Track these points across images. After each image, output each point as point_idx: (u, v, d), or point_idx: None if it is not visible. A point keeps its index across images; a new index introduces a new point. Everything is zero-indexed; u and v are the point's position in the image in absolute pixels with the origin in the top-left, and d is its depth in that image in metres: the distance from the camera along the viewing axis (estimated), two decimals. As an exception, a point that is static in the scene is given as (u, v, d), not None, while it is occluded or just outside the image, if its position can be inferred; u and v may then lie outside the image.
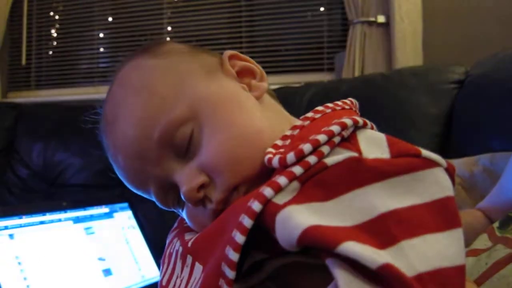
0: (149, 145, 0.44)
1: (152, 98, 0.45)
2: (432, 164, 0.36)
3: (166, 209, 0.48)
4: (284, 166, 0.37)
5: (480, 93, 1.10)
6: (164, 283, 0.46)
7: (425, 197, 0.34)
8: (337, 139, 0.37)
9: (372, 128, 0.42)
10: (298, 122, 0.44)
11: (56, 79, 2.47)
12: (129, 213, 1.12)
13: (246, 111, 0.45)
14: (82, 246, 0.93)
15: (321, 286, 0.34)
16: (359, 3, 1.82)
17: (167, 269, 0.47)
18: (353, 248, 0.29)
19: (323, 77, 2.05)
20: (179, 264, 0.44)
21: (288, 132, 0.43)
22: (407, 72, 1.31)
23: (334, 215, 0.33)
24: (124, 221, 1.09)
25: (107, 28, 2.41)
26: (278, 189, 0.35)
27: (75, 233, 0.95)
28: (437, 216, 0.33)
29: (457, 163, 0.96)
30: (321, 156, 0.36)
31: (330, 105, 0.45)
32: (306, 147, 0.36)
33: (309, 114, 0.44)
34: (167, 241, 0.51)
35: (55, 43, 2.49)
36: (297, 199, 0.34)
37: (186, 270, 0.42)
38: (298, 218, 0.32)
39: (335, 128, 0.37)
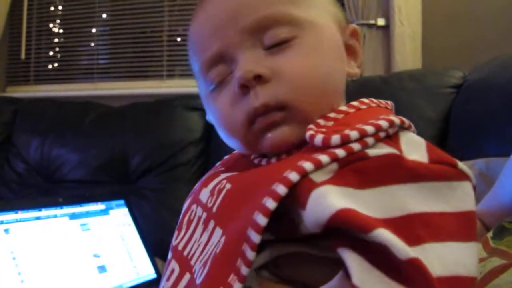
0: (252, 13, 0.43)
1: None
2: (465, 177, 0.37)
3: (202, 75, 0.47)
4: (326, 146, 0.37)
5: (477, 97, 1.11)
6: (180, 247, 0.46)
7: (454, 207, 0.35)
8: (382, 134, 0.38)
9: (414, 132, 0.43)
10: (344, 108, 0.44)
11: (55, 74, 2.46)
12: (125, 211, 1.12)
13: (339, 66, 0.46)
14: (77, 242, 0.94)
15: (322, 279, 0.34)
16: (359, 6, 1.82)
17: (185, 234, 0.47)
18: (387, 236, 0.30)
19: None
20: (199, 229, 0.44)
21: (332, 114, 0.43)
22: (406, 75, 1.32)
23: (366, 204, 0.33)
24: (120, 218, 1.09)
25: (107, 25, 2.40)
26: (318, 166, 0.35)
27: (71, 229, 0.95)
28: (461, 226, 0.34)
29: (453, 167, 0.96)
30: (366, 145, 0.36)
31: (374, 100, 0.46)
32: (353, 133, 0.36)
33: (355, 103, 0.45)
34: (184, 208, 0.51)
35: (55, 38, 2.48)
36: (334, 181, 0.35)
37: (206, 235, 0.42)
38: (333, 198, 0.33)
39: (383, 123, 0.38)
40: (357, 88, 1.49)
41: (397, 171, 0.35)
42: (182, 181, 1.49)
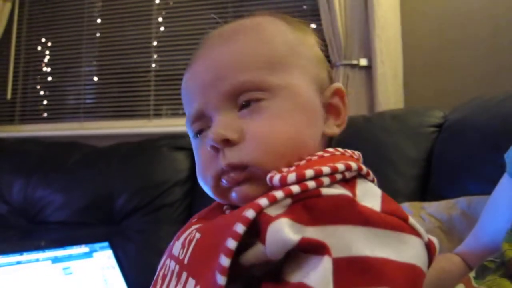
0: (230, 78, 0.46)
1: (266, 52, 0.48)
2: (415, 233, 0.38)
3: (187, 127, 0.51)
4: (283, 185, 0.39)
5: (457, 137, 1.13)
6: None
7: (401, 257, 0.35)
8: (338, 176, 0.39)
9: (373, 181, 0.44)
10: (308, 157, 0.46)
11: (41, 114, 2.46)
12: (109, 253, 1.10)
13: (313, 129, 0.48)
14: (59, 287, 0.92)
15: None
16: (342, 46, 1.87)
17: None
18: (328, 269, 0.32)
19: (307, 117, 2.08)
20: (173, 283, 0.44)
21: (296, 163, 0.45)
22: (388, 115, 1.35)
23: None
24: (103, 261, 1.07)
25: (94, 65, 2.43)
26: (273, 201, 0.37)
27: (53, 273, 0.93)
28: (403, 277, 0.34)
29: (436, 206, 0.97)
30: (320, 184, 0.38)
31: (340, 149, 0.47)
32: (309, 172, 0.38)
33: (319, 153, 0.46)
34: (160, 263, 0.51)
35: (42, 78, 2.50)
36: (287, 215, 0.36)
37: (179, 287, 0.42)
38: (289, 231, 0.34)
39: (340, 166, 0.39)
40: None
41: (348, 213, 0.36)
42: (167, 222, 1.48)
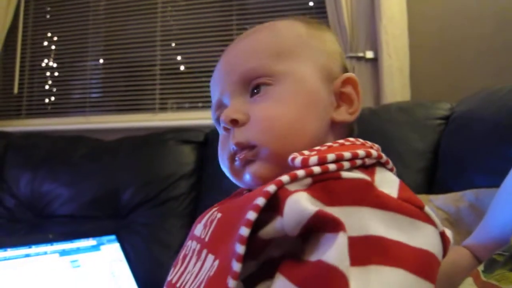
0: (240, 68, 0.52)
1: (274, 44, 0.52)
2: (430, 221, 0.38)
3: (213, 115, 0.57)
4: (305, 166, 0.40)
5: (464, 129, 1.12)
6: (173, 281, 0.48)
7: (414, 242, 0.36)
8: (359, 162, 0.41)
9: (392, 171, 0.46)
10: (329, 143, 0.47)
11: (47, 108, 2.47)
12: (116, 246, 1.11)
13: (314, 114, 0.51)
14: (67, 279, 0.92)
15: None
16: (348, 39, 1.86)
17: (179, 268, 0.49)
18: (344, 244, 0.32)
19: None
20: (193, 261, 0.46)
21: (316, 147, 0.46)
22: (395, 107, 1.34)
23: None
24: (111, 254, 1.08)
25: (100, 59, 2.43)
26: (294, 178, 0.38)
27: (61, 266, 0.93)
28: (416, 261, 0.35)
29: (444, 198, 0.97)
30: (341, 168, 0.39)
31: (360, 140, 0.49)
32: (330, 155, 0.40)
33: (340, 140, 0.48)
34: (183, 247, 0.53)
35: (48, 72, 2.50)
36: (307, 191, 0.37)
37: (198, 264, 0.44)
38: (307, 202, 0.35)
39: (360, 152, 0.41)
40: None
41: (366, 196, 0.37)
42: (173, 215, 1.48)
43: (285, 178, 0.38)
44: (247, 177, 0.49)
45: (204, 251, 0.44)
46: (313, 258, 0.34)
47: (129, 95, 2.33)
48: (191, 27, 2.27)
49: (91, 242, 1.05)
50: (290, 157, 0.43)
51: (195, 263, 0.45)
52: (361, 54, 1.85)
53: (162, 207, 1.50)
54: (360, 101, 0.55)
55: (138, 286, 1.06)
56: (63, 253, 0.96)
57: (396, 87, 1.75)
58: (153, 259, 1.35)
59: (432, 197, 0.99)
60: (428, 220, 0.38)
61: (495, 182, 0.70)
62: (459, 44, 1.77)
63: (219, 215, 0.46)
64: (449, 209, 0.92)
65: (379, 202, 0.37)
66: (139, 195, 1.53)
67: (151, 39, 2.31)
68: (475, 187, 0.93)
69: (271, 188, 0.37)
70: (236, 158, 0.50)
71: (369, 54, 1.84)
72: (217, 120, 0.55)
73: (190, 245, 0.49)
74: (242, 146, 0.49)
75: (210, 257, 0.42)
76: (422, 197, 1.00)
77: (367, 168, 0.41)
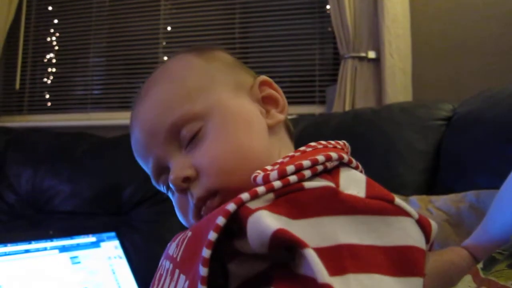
0: (161, 127, 0.50)
1: (180, 89, 0.51)
2: (402, 213, 0.38)
3: (157, 186, 0.54)
4: (266, 182, 0.39)
5: (466, 130, 1.12)
6: None
7: (386, 241, 0.36)
8: (320, 168, 0.40)
9: (357, 168, 0.45)
10: (291, 153, 0.47)
11: (49, 104, 2.47)
12: (116, 243, 1.11)
13: (251, 132, 0.50)
14: (67, 276, 0.92)
15: None
16: (351, 39, 1.86)
17: None
18: (315, 257, 0.32)
19: (315, 109, 2.08)
20: (167, 281, 0.45)
21: (279, 160, 0.46)
22: (396, 108, 1.33)
23: (297, 234, 0.34)
24: (111, 251, 1.07)
25: (102, 56, 2.43)
26: (254, 196, 0.37)
27: (61, 262, 0.94)
28: (392, 261, 0.35)
29: (444, 199, 0.97)
30: (302, 178, 0.38)
31: (323, 142, 0.48)
32: (289, 167, 0.39)
33: (302, 148, 0.47)
34: (158, 265, 0.52)
35: (50, 69, 2.51)
36: (269, 208, 0.36)
37: (172, 285, 0.43)
38: (268, 220, 0.34)
39: (320, 157, 0.40)
40: (349, 120, 1.50)
41: (331, 204, 0.36)
42: (174, 213, 1.48)
43: (245, 196, 0.37)
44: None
45: (177, 271, 0.43)
46: (301, 271, 0.34)
47: (130, 92, 2.33)
48: (193, 25, 2.26)
49: (91, 238, 1.05)
50: (252, 176, 0.42)
51: (169, 284, 0.44)
52: (363, 54, 1.85)
53: (163, 204, 1.50)
54: (282, 95, 0.55)
55: (138, 283, 1.06)
56: (63, 249, 0.96)
57: (398, 88, 1.74)
58: (153, 256, 1.34)
59: (433, 198, 0.99)
60: (400, 212, 0.38)
61: (497, 183, 0.70)
62: (462, 44, 1.77)
63: (189, 233, 0.45)
64: (450, 210, 0.92)
65: (346, 207, 0.36)
66: (140, 192, 1.53)
67: (153, 36, 2.31)
68: (477, 188, 0.93)
69: (231, 206, 0.36)
70: (202, 213, 0.48)
71: (371, 54, 1.84)
72: (164, 186, 0.53)
73: (164, 264, 0.49)
74: (205, 198, 0.47)
75: (182, 278, 0.41)
76: (423, 198, 1.00)
77: (330, 172, 0.41)
